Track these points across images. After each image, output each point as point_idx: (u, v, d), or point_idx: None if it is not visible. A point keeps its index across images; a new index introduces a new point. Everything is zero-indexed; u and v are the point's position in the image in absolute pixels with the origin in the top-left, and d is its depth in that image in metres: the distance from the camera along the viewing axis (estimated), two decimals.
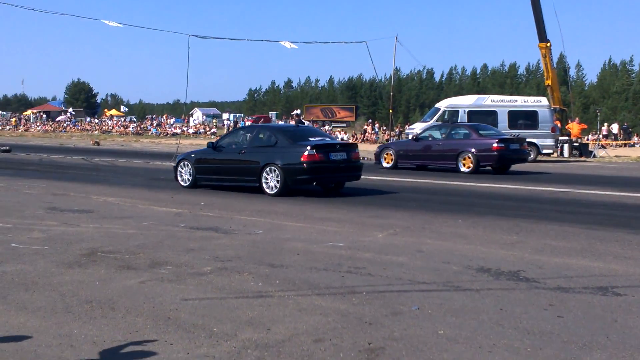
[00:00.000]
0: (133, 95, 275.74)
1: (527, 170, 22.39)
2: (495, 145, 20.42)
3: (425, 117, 29.20)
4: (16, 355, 4.58)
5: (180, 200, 13.39)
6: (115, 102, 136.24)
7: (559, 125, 29.82)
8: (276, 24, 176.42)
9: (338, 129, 65.65)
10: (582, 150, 30.94)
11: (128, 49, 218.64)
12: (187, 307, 5.77)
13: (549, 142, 27.48)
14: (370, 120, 64.68)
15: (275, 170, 13.91)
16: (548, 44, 32.58)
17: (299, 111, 22.52)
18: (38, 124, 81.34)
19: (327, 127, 67.14)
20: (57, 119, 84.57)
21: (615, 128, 48.54)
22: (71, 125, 78.70)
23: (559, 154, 29.98)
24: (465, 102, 28.25)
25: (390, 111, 39.93)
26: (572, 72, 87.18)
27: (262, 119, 75.51)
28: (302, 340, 4.89)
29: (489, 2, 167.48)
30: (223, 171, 15.02)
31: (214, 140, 16.46)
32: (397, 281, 6.64)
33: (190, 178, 15.41)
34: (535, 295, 6.12)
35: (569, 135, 31.08)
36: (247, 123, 68.49)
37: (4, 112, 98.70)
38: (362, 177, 15.22)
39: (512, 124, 27.13)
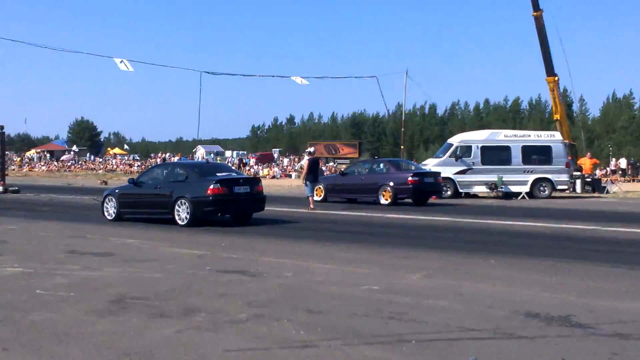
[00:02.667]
0: (136, 134, 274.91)
1: (545, 207, 22.15)
2: (410, 179, 22.19)
3: (438, 153, 28.93)
4: None
5: (200, 240, 13.13)
6: (118, 140, 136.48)
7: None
8: (283, 61, 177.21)
9: (343, 166, 65.47)
10: (595, 186, 30.65)
11: (131, 86, 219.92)
12: (230, 359, 5.49)
13: (564, 177, 27.21)
14: (376, 157, 64.47)
15: (185, 203, 15.41)
16: (556, 78, 32.61)
17: (312, 149, 22.26)
18: (42, 163, 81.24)
19: (331, 164, 66.94)
20: (62, 159, 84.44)
21: (623, 163, 48.29)
22: (75, 165, 78.63)
23: (571, 189, 29.73)
24: (478, 137, 28.04)
25: (402, 147, 39.79)
26: (575, 106, 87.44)
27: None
28: None
29: (488, 38, 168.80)
30: (142, 204, 16.56)
31: (135, 177, 18.22)
32: (444, 328, 6.35)
33: (115, 211, 16.91)
34: (594, 343, 5.83)
35: (580, 170, 30.85)
36: (252, 161, 68.53)
37: (7, 152, 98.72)
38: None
39: (526, 160, 26.89)
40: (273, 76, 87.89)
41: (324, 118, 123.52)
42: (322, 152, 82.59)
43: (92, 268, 9.85)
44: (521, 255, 11.10)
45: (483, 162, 26.59)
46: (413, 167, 24.55)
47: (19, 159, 79.60)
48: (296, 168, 58.54)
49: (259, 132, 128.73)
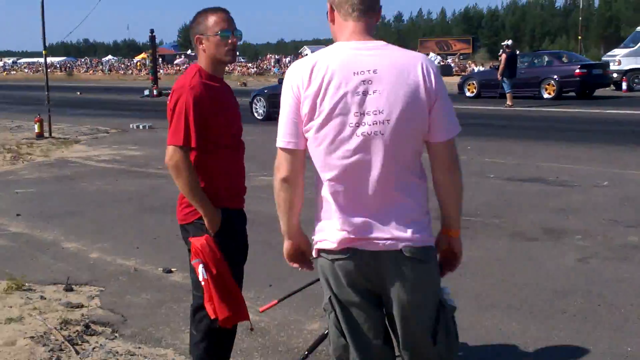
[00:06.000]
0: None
1: None
2: (577, 71, 20.45)
3: (627, 43, 25.24)
4: None
5: None
6: None
7: None
8: None
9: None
10: None
11: None
12: None
13: None
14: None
15: None
16: None
17: (510, 42, 19.95)
18: (158, 68, 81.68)
19: (449, 60, 63.71)
20: (175, 62, 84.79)
21: None
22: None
23: None
24: None
25: (580, 37, 36.28)
26: None
27: None
28: None
29: None
30: None
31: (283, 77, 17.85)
32: None
33: (264, 111, 16.89)
34: None
35: None
36: None
37: (115, 57, 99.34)
38: None
39: None
40: None
41: (433, 14, 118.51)
42: (434, 49, 79.28)
43: None
44: None
45: None
46: (577, 59, 22.73)
47: (138, 63, 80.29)
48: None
49: None
